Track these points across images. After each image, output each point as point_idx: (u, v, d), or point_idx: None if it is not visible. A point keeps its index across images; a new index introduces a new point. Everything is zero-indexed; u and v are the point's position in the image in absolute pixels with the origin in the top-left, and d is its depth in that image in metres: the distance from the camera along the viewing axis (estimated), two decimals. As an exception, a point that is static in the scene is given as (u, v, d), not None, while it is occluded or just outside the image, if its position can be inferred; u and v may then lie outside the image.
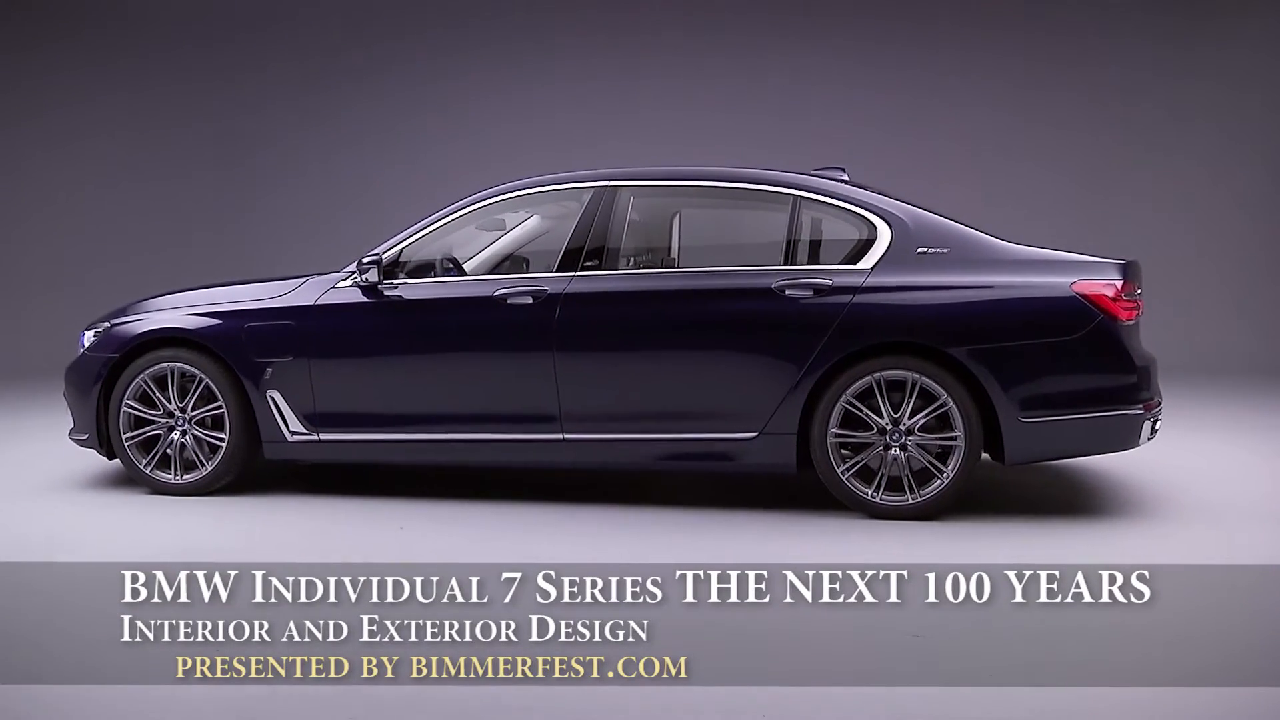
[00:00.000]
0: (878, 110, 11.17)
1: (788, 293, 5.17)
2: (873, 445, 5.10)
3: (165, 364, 5.65)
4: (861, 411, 5.09)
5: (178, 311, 5.76)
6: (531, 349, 5.34)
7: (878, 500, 5.10)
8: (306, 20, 11.77)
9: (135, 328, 5.74)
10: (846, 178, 5.82)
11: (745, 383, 5.21)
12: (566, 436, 5.35)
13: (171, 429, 5.67)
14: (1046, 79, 11.16)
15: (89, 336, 5.90)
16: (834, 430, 5.11)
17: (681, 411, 5.28)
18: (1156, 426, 5.32)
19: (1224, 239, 11.02)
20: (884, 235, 5.23)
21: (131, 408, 5.68)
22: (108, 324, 5.87)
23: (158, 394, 5.66)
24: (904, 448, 5.07)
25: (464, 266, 5.88)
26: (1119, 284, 5.04)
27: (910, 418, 5.05)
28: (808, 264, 5.32)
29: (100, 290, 9.57)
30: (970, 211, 6.22)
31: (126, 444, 5.70)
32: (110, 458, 5.81)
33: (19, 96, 11.61)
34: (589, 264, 5.41)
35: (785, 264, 5.29)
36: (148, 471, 5.69)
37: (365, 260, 5.50)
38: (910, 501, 5.08)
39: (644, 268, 5.64)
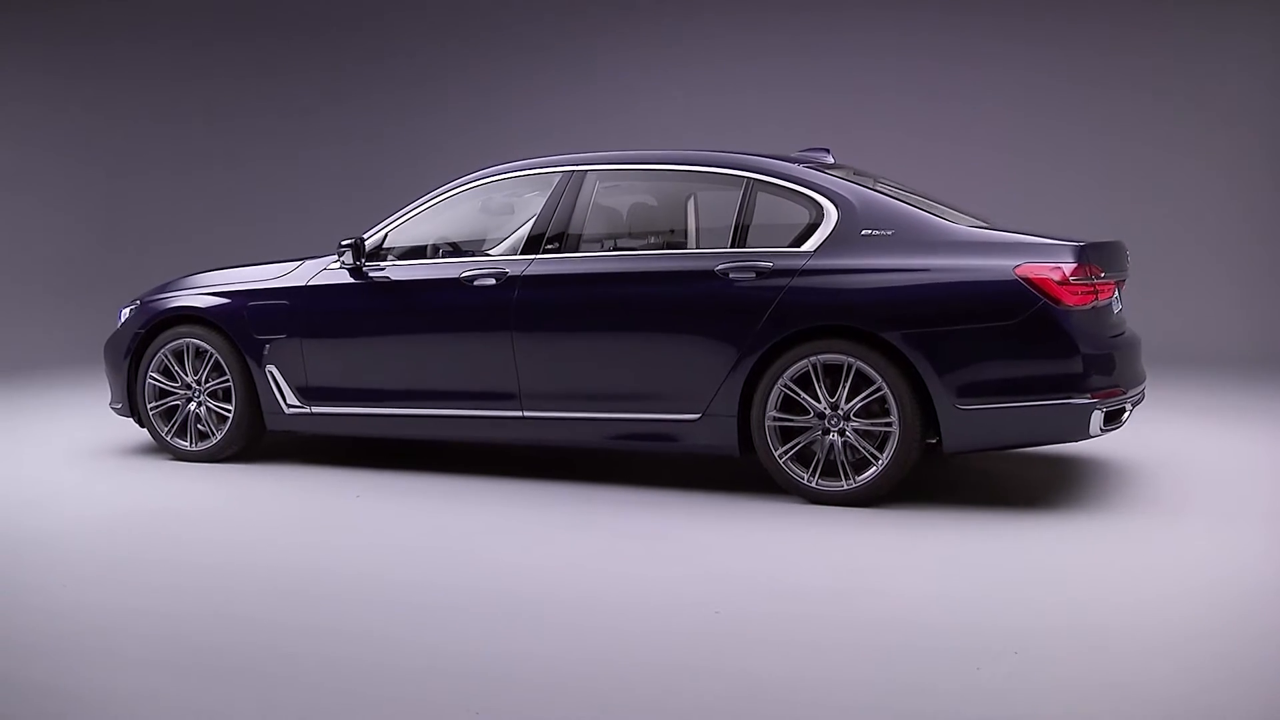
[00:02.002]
0: (881, 90, 10.69)
1: (730, 276, 5.18)
2: (810, 429, 5.06)
3: (182, 339, 6.12)
4: (799, 396, 5.05)
5: (195, 291, 6.23)
6: (493, 328, 5.53)
7: (814, 485, 5.05)
8: (335, 18, 12.18)
9: (159, 305, 6.25)
10: (831, 159, 5.76)
11: (688, 365, 5.24)
12: (526, 414, 5.52)
13: (188, 400, 6.14)
14: (1056, 62, 10.42)
15: (125, 313, 6.43)
16: (772, 414, 5.09)
17: (630, 392, 5.36)
18: (1124, 417, 5.07)
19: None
20: (830, 217, 5.16)
21: (154, 379, 6.18)
22: (139, 301, 6.39)
23: (176, 367, 6.14)
24: (841, 432, 5.01)
25: (489, 250, 6.06)
26: (1069, 267, 4.81)
27: (846, 402, 4.99)
28: (755, 246, 5.29)
29: (154, 274, 10.08)
30: (977, 192, 6.03)
31: (151, 413, 6.21)
32: (141, 425, 6.33)
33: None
34: (550, 247, 5.55)
35: (732, 246, 5.29)
36: (168, 439, 6.19)
37: (344, 243, 5.82)
38: (845, 487, 5.01)
39: (658, 249, 5.73)
